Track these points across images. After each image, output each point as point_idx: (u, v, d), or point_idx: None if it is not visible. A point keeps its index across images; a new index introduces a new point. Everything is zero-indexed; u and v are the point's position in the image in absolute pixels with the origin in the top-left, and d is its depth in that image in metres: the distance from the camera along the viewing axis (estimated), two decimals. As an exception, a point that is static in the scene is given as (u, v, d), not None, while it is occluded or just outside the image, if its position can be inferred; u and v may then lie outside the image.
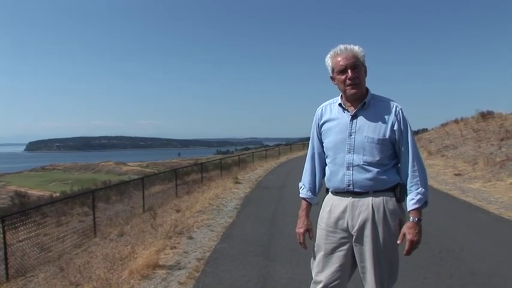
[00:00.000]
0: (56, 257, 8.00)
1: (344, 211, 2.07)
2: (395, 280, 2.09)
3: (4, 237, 7.12)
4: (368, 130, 2.03)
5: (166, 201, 12.76)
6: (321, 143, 2.21)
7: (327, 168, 2.19)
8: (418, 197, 1.99)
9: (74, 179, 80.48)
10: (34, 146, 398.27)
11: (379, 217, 2.01)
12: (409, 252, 1.99)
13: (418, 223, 1.98)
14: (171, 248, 5.15)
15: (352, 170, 2.04)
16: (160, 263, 4.48)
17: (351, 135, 2.05)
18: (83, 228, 10.44)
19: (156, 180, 21.06)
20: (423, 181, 2.02)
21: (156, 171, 41.84)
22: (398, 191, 2.05)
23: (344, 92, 2.07)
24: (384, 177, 2.03)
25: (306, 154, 2.33)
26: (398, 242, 2.00)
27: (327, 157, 2.19)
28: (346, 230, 2.07)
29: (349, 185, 2.05)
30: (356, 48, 2.05)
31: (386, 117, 2.04)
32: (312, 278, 2.16)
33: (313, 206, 2.26)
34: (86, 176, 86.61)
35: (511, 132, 13.75)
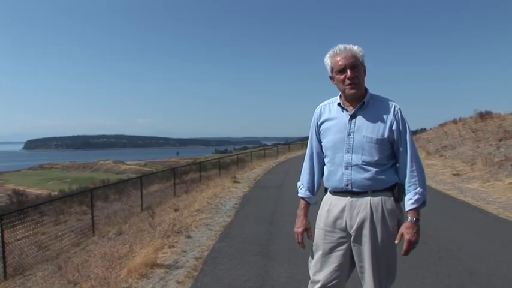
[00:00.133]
0: (54, 256, 7.99)
1: (342, 211, 2.08)
2: (394, 280, 2.09)
3: (2, 236, 7.10)
4: (367, 130, 2.03)
5: (164, 200, 12.75)
6: (320, 142, 2.21)
7: (325, 167, 2.19)
8: (416, 197, 2.00)
9: (72, 177, 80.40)
10: (32, 145, 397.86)
11: (377, 217, 2.01)
12: (407, 252, 2.00)
13: (416, 223, 1.98)
14: (170, 247, 5.14)
15: (351, 170, 2.04)
16: (159, 262, 4.48)
17: (349, 134, 2.05)
18: (81, 227, 10.43)
19: (155, 179, 21.06)
20: (421, 181, 2.02)
21: (155, 170, 41.82)
22: (397, 191, 2.05)
23: (343, 91, 2.07)
24: (383, 177, 2.03)
25: (305, 154, 2.33)
26: (396, 241, 2.00)
27: (325, 157, 2.19)
28: (345, 229, 2.07)
29: (347, 185, 2.05)
30: (355, 48, 2.05)
31: (385, 117, 2.04)
32: (309, 278, 2.16)
33: (311, 205, 2.27)
34: (84, 175, 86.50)
35: (510, 132, 13.77)
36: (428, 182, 10.34)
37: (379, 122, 2.03)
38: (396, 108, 2.05)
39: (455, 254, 4.45)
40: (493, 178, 10.12)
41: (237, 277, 3.95)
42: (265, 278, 3.91)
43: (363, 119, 2.05)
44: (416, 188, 2.01)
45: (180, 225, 6.37)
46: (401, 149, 2.05)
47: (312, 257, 2.18)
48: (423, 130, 31.88)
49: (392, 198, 2.05)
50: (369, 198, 2.03)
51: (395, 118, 2.03)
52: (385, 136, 2.02)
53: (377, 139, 2.01)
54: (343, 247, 2.08)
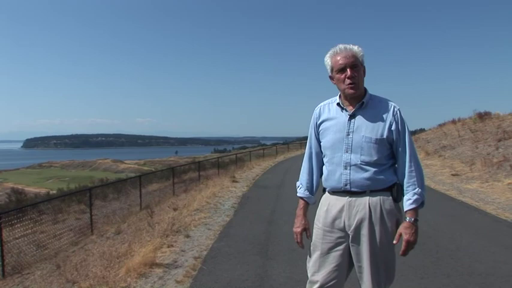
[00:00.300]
0: (52, 255, 7.98)
1: (341, 210, 2.08)
2: (392, 280, 2.09)
3: (0, 234, 7.09)
4: (366, 130, 2.03)
5: (163, 199, 12.75)
6: (319, 142, 2.21)
7: (324, 167, 2.20)
8: (415, 197, 2.00)
9: (71, 176, 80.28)
10: (31, 143, 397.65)
11: (376, 217, 2.01)
12: (405, 253, 2.00)
13: (415, 223, 1.98)
14: (168, 246, 5.14)
15: (350, 170, 2.04)
16: (157, 261, 4.47)
17: (348, 134, 2.05)
18: (79, 226, 10.42)
19: (153, 178, 21.04)
20: (420, 181, 2.02)
21: (154, 170, 41.79)
22: (395, 191, 2.06)
23: (343, 91, 2.07)
24: (381, 177, 2.03)
25: (304, 153, 2.33)
26: (394, 242, 2.01)
27: (324, 156, 2.19)
28: (343, 229, 2.07)
29: (346, 185, 2.05)
30: (355, 48, 2.05)
31: (384, 117, 2.04)
32: (308, 278, 2.16)
33: (310, 205, 2.27)
34: (83, 174, 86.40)
35: (509, 133, 13.78)
36: (427, 182, 10.35)
37: (378, 122, 2.03)
38: (395, 109, 2.06)
39: (454, 254, 4.45)
40: (492, 178, 10.13)
41: (236, 277, 3.95)
42: (264, 277, 3.91)
43: (362, 119, 2.05)
44: (415, 188, 2.01)
45: (179, 225, 6.37)
46: (400, 149, 2.05)
47: (310, 257, 2.18)
48: (422, 130, 31.90)
49: (391, 198, 2.05)
50: (367, 198, 2.04)
51: (395, 118, 2.04)
52: (384, 136, 2.02)
53: (376, 139, 2.02)
54: (342, 247, 2.08)
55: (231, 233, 5.84)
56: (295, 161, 20.59)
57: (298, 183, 2.30)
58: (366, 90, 2.09)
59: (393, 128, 2.03)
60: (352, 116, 2.06)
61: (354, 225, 2.03)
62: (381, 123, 2.03)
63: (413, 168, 2.02)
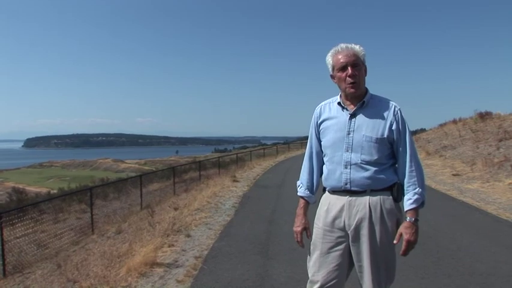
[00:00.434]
0: (53, 254, 7.99)
1: (341, 210, 2.08)
2: (393, 280, 2.09)
3: (1, 234, 7.09)
4: (366, 129, 2.03)
5: (164, 199, 12.75)
6: (319, 141, 2.21)
7: (324, 167, 2.20)
8: (415, 197, 2.00)
9: (71, 176, 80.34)
10: (32, 143, 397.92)
11: (376, 216, 2.01)
12: (405, 253, 2.00)
13: (415, 223, 1.98)
14: (169, 246, 5.14)
15: (350, 169, 2.04)
16: (158, 260, 4.48)
17: (349, 133, 2.05)
18: (80, 226, 10.42)
19: (154, 178, 21.03)
20: (420, 181, 2.02)
21: (154, 169, 41.79)
22: (396, 191, 2.05)
23: (343, 90, 2.07)
24: (382, 176, 2.03)
25: (304, 153, 2.33)
26: (394, 241, 2.00)
27: (324, 156, 2.19)
28: (343, 229, 2.07)
29: (346, 184, 2.05)
30: (357, 47, 2.06)
31: (384, 116, 2.04)
32: (309, 277, 2.16)
33: (311, 204, 2.27)
34: (84, 173, 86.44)
35: (510, 133, 13.76)
36: (428, 182, 10.35)
37: (379, 122, 2.04)
38: (396, 109, 2.06)
39: (455, 254, 4.45)
40: (493, 179, 10.12)
41: (236, 276, 3.95)
42: (265, 277, 3.91)
43: (363, 118, 2.05)
44: (415, 188, 2.01)
45: (180, 224, 6.37)
46: (400, 149, 2.05)
47: (310, 257, 2.18)
48: (423, 130, 31.88)
49: (391, 197, 2.05)
50: (367, 197, 2.03)
51: (395, 118, 2.04)
52: (385, 136, 2.02)
53: (376, 138, 2.02)
54: (342, 247, 2.08)
55: (232, 232, 5.85)
56: (296, 160, 20.60)
57: (298, 183, 2.30)
58: (367, 89, 2.10)
59: (394, 127, 2.03)
60: (352, 115, 2.07)
61: (354, 225, 2.03)
62: (381, 123, 2.03)
63: (413, 168, 2.02)
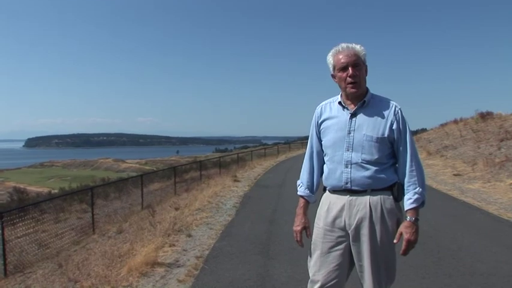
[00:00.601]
0: (54, 254, 7.99)
1: (341, 210, 2.08)
2: (394, 280, 2.09)
3: (2, 233, 7.10)
4: (367, 128, 2.03)
5: (165, 198, 12.76)
6: (320, 141, 2.21)
7: (325, 166, 2.20)
8: (416, 196, 2.00)
9: (72, 175, 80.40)
10: (33, 143, 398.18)
11: (376, 216, 2.01)
12: (405, 252, 2.00)
13: (416, 223, 1.98)
14: (170, 246, 5.14)
15: (350, 168, 2.05)
16: (159, 260, 4.48)
17: (349, 133, 2.05)
18: (81, 225, 10.42)
19: (155, 177, 21.03)
20: (421, 181, 2.03)
21: (155, 169, 41.82)
22: (396, 190, 2.06)
23: (344, 89, 2.08)
24: (382, 175, 2.03)
25: (305, 153, 2.34)
26: (395, 241, 2.01)
27: (325, 155, 2.19)
28: (344, 228, 2.07)
29: (347, 183, 2.06)
30: (358, 47, 2.06)
31: (385, 116, 2.05)
32: (309, 277, 2.16)
33: (311, 204, 2.27)
34: (85, 173, 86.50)
35: (511, 133, 13.74)
36: (429, 182, 10.34)
37: (379, 121, 2.04)
38: (397, 108, 2.06)
39: (456, 254, 4.45)
40: (494, 179, 10.11)
41: (237, 276, 3.95)
42: (266, 277, 3.91)
43: (364, 118, 2.05)
44: (416, 187, 2.01)
45: (181, 224, 6.38)
46: (401, 148, 2.06)
47: (311, 256, 2.18)
48: (424, 130, 31.85)
49: (391, 197, 2.05)
50: (368, 197, 2.04)
51: (396, 118, 2.04)
52: (385, 135, 2.02)
53: (377, 138, 2.02)
54: (342, 246, 2.08)
55: (233, 232, 5.85)
56: (297, 160, 20.59)
57: (298, 182, 2.31)
58: (367, 89, 2.10)
59: (394, 127, 2.03)
60: (353, 115, 2.07)
61: (354, 224, 2.04)
62: (382, 122, 2.04)
63: (414, 168, 2.03)
